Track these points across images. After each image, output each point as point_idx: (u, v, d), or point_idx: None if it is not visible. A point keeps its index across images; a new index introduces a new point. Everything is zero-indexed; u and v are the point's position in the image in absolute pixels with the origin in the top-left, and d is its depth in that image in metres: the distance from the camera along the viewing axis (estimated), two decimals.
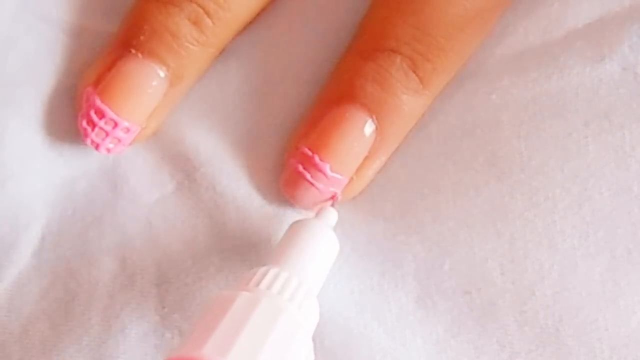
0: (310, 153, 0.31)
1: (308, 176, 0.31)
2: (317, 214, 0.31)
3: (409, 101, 0.31)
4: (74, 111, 0.33)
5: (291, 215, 0.32)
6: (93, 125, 0.32)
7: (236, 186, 0.33)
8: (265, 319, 0.26)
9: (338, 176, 0.31)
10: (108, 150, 0.32)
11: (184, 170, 0.33)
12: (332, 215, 0.31)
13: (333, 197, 0.32)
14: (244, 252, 0.32)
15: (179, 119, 0.33)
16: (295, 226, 0.30)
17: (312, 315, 0.28)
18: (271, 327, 0.26)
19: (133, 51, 0.31)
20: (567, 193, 0.31)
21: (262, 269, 0.28)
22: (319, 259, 0.30)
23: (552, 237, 0.31)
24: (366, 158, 0.31)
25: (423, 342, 0.31)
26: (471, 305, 0.31)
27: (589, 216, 0.31)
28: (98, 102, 0.31)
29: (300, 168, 0.31)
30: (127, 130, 0.32)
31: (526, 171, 0.31)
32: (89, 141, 0.32)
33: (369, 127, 0.31)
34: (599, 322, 0.30)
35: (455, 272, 0.31)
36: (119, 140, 0.32)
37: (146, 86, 0.32)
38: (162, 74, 0.32)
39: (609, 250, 0.30)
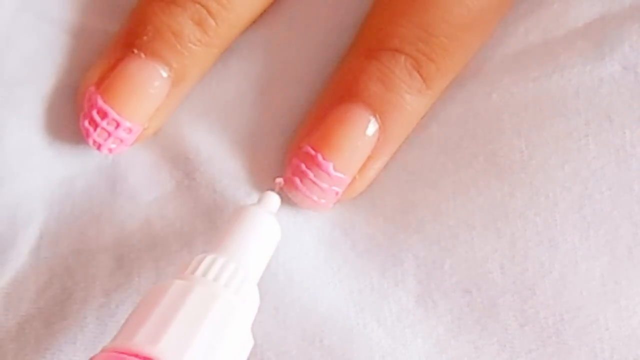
0: (313, 152, 0.32)
1: (311, 175, 0.32)
2: (258, 200, 0.32)
3: (412, 101, 0.32)
4: (74, 110, 0.34)
5: (291, 215, 0.33)
6: (95, 125, 0.32)
7: (236, 186, 0.33)
8: (198, 305, 0.27)
9: (341, 175, 0.32)
10: (110, 150, 0.33)
11: (184, 169, 0.34)
12: (273, 200, 0.31)
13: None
14: None
15: (179, 118, 0.34)
16: (235, 213, 0.31)
17: (251, 301, 0.29)
18: (204, 313, 0.27)
19: (136, 51, 0.32)
20: (567, 192, 0.31)
21: (198, 257, 0.29)
22: (257, 244, 0.30)
23: (553, 236, 0.31)
24: (369, 157, 0.32)
25: (423, 342, 0.32)
26: (471, 304, 0.32)
27: (590, 215, 0.31)
28: (100, 102, 0.32)
29: (303, 167, 0.32)
30: (130, 130, 0.32)
31: (527, 170, 0.32)
32: (91, 141, 0.33)
33: (372, 126, 0.32)
34: (599, 321, 0.31)
35: (456, 271, 0.32)
36: (121, 141, 0.33)
37: (149, 86, 0.32)
38: (164, 74, 0.32)
39: (610, 249, 0.31)
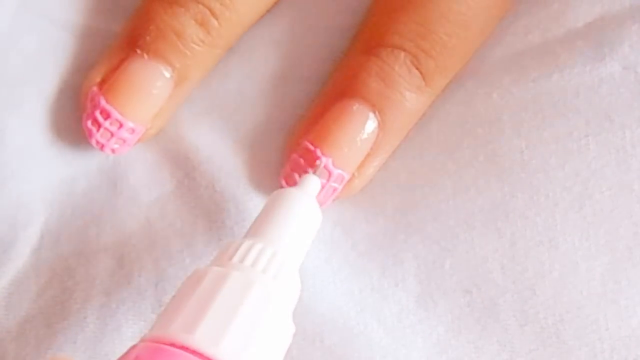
0: (312, 147, 0.34)
1: (310, 171, 0.34)
2: (298, 183, 0.33)
3: (411, 98, 0.34)
4: (75, 111, 0.35)
5: None
6: (98, 125, 0.34)
7: (235, 185, 0.35)
8: (235, 292, 0.28)
9: (340, 171, 0.34)
10: (113, 150, 0.35)
11: (184, 169, 0.35)
12: (313, 183, 0.33)
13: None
14: None
15: (180, 117, 0.36)
16: (274, 196, 0.32)
17: (291, 285, 0.30)
18: (241, 300, 0.28)
19: (139, 51, 0.34)
20: (567, 192, 0.33)
21: (235, 242, 0.30)
22: (297, 228, 0.31)
23: (553, 236, 0.33)
24: (368, 155, 0.34)
25: (423, 342, 0.33)
26: (472, 304, 0.33)
27: (590, 216, 0.33)
28: (103, 103, 0.34)
29: (302, 162, 0.34)
30: (132, 130, 0.34)
31: (527, 170, 0.33)
32: (94, 142, 0.34)
33: (371, 123, 0.34)
34: (599, 321, 0.32)
35: (456, 271, 0.33)
36: (124, 141, 0.35)
37: (151, 87, 0.34)
38: (167, 75, 0.34)
39: (610, 249, 0.33)
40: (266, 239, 0.30)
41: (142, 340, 0.28)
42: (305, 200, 0.32)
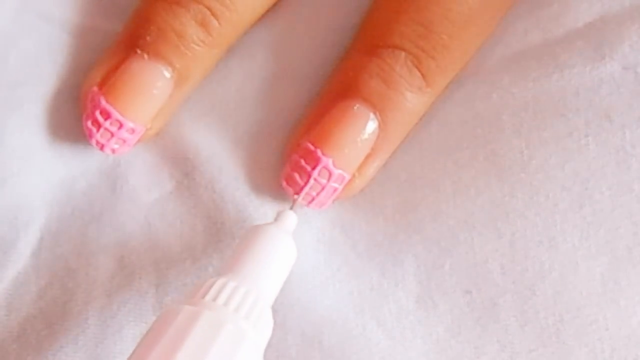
0: (312, 147, 0.34)
1: (310, 170, 0.34)
2: (275, 218, 0.33)
3: (412, 98, 0.34)
4: (74, 111, 0.36)
5: None
6: (98, 125, 0.34)
7: (235, 186, 0.35)
8: (206, 332, 0.28)
9: (340, 172, 0.34)
10: (113, 151, 0.35)
11: (184, 169, 0.36)
12: (290, 219, 0.33)
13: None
14: None
15: (179, 117, 0.36)
16: (250, 232, 0.32)
17: (263, 325, 0.30)
18: (212, 340, 0.28)
19: (139, 51, 0.34)
20: (567, 192, 0.33)
21: (209, 280, 0.30)
22: (272, 266, 0.31)
23: (553, 236, 0.33)
24: (368, 155, 0.34)
25: (423, 342, 0.34)
26: (472, 305, 0.33)
27: (590, 216, 0.33)
28: (103, 103, 0.34)
29: (303, 162, 0.34)
30: (132, 131, 0.35)
31: (527, 170, 0.34)
32: (94, 142, 0.35)
33: (372, 123, 0.34)
34: (599, 321, 0.33)
35: (456, 271, 0.34)
36: (124, 141, 0.35)
37: (152, 87, 0.34)
38: (167, 75, 0.34)
39: (610, 249, 0.33)
40: (240, 276, 0.31)
41: None
42: (281, 237, 0.32)
